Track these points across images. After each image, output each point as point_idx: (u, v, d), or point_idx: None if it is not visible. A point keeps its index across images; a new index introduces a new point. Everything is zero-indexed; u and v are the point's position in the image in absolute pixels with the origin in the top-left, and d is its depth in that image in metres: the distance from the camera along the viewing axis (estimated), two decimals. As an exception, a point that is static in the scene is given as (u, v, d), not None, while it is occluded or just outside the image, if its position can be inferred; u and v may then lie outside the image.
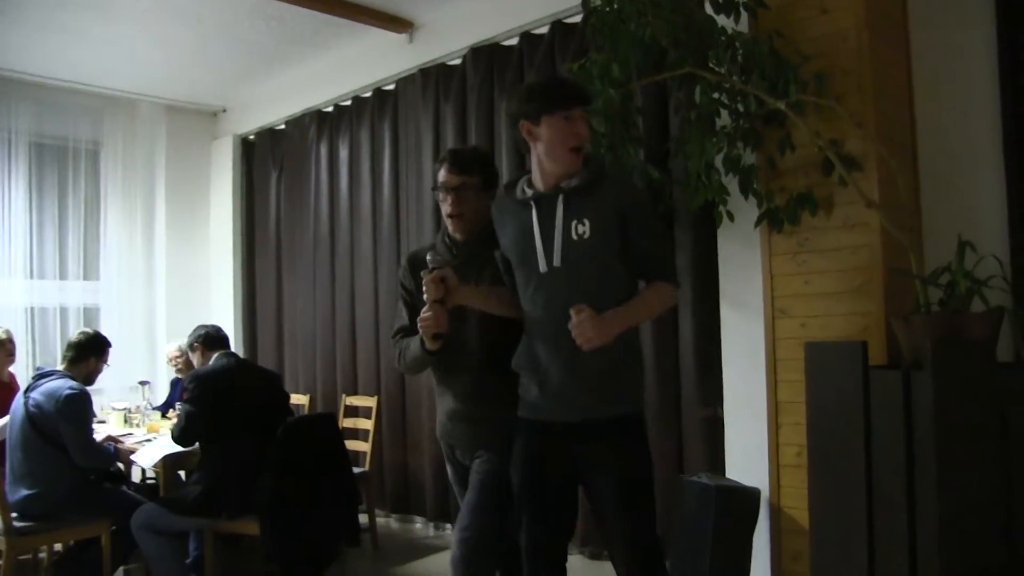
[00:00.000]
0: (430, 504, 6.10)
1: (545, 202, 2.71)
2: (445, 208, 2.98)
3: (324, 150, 7.23)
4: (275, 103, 7.75)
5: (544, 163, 2.72)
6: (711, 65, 3.79)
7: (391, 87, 6.64)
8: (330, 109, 7.23)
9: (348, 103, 7.03)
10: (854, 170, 3.54)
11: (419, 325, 2.79)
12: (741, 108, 3.83)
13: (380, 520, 6.00)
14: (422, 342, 2.84)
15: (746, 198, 3.89)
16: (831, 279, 3.76)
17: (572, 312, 2.53)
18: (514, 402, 2.84)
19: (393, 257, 6.45)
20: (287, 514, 4.11)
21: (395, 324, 3.13)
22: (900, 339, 3.12)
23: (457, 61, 6.03)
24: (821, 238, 3.79)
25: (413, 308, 3.00)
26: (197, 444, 4.44)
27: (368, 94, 6.83)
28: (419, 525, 6.25)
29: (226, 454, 4.29)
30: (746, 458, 4.13)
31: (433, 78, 6.18)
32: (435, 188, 3.01)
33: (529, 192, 2.76)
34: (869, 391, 3.06)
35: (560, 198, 2.68)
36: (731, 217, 3.98)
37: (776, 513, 3.94)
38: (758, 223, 3.92)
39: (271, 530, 4.14)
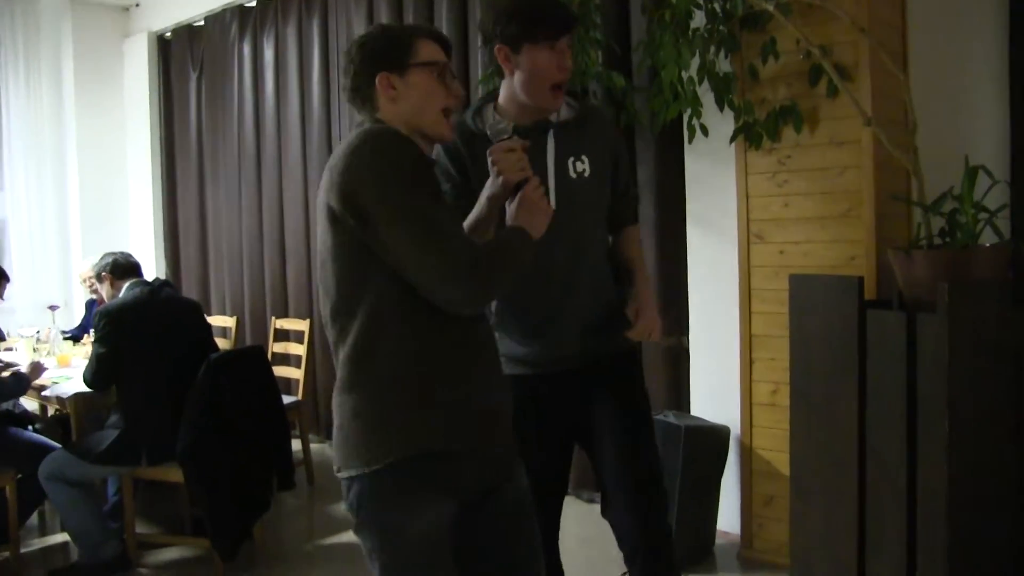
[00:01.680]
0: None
1: (529, 137, 2.18)
2: (455, 91, 2.01)
3: (247, 50, 6.66)
4: (193, -4, 7.10)
5: (519, 96, 2.34)
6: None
7: (320, -20, 6.07)
8: (253, 4, 6.64)
9: (273, -3, 6.45)
10: (845, 81, 3.16)
11: (533, 202, 1.95)
12: (718, 9, 3.41)
13: (315, 447, 5.66)
14: (525, 232, 1.92)
15: (721, 110, 3.52)
16: (814, 202, 3.41)
17: (631, 315, 2.41)
18: None
19: (323, 168, 5.95)
20: (212, 460, 3.71)
21: (452, 228, 1.87)
22: (897, 273, 2.78)
23: (393, -50, 5.48)
24: (804, 156, 3.43)
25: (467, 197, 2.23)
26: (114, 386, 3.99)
27: (294, -12, 6.25)
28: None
29: (143, 396, 3.84)
30: (713, 393, 3.86)
31: (366, -30, 5.63)
32: (431, 64, 1.96)
33: (509, 125, 2.18)
34: (865, 333, 2.75)
35: (550, 133, 2.34)
36: (705, 131, 3.60)
37: (747, 454, 3.67)
38: (733, 138, 3.55)
39: (195, 478, 3.74)
